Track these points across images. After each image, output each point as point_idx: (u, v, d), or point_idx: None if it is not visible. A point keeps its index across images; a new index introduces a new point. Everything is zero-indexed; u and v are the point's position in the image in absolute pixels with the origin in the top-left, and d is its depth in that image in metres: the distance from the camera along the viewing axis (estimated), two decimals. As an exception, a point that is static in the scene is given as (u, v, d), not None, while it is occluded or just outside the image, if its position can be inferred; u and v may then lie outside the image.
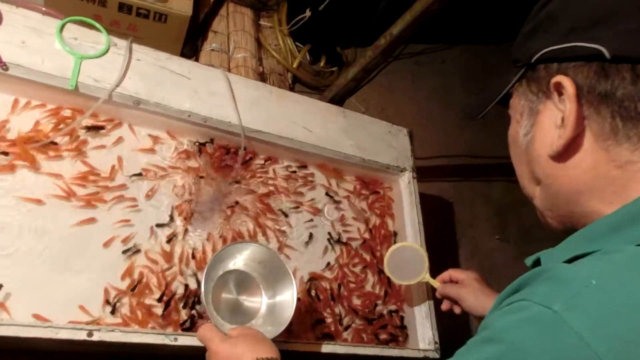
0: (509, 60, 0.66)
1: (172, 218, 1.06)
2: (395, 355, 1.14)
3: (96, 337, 0.83)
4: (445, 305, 1.12)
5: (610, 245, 0.49)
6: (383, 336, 1.22)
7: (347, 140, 1.33)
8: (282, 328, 0.91)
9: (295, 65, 1.99)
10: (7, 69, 0.94)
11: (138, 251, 1.00)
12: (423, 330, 1.23)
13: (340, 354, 1.06)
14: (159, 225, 1.04)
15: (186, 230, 1.07)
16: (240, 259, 0.97)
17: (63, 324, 0.82)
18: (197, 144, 1.15)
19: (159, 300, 0.98)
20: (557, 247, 0.57)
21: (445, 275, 1.13)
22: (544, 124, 0.57)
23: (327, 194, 1.30)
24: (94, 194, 1.00)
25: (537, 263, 0.60)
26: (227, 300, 0.95)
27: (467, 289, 1.07)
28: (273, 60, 1.97)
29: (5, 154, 0.94)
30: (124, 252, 0.99)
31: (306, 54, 2.07)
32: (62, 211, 0.96)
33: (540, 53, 0.56)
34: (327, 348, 1.04)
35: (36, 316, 0.85)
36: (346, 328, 1.17)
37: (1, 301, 0.84)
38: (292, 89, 2.00)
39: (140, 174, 1.06)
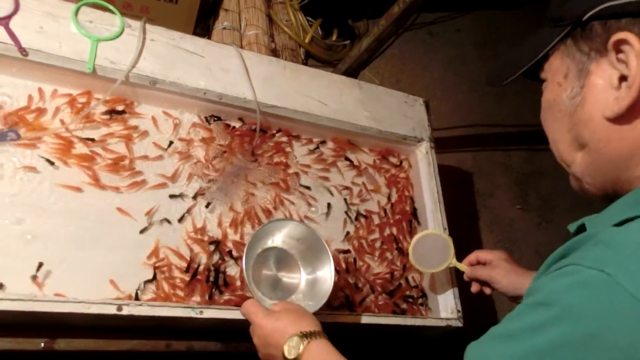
0: (540, 20, 0.63)
1: (195, 194, 1.08)
2: (417, 324, 1.15)
3: (125, 311, 0.85)
4: (475, 288, 1.12)
5: None
6: (404, 306, 1.23)
7: (363, 112, 1.33)
8: (322, 302, 0.92)
9: (307, 40, 1.98)
10: (26, 55, 0.96)
11: (165, 224, 1.03)
12: (445, 299, 1.24)
13: (363, 324, 1.07)
14: (179, 197, 1.07)
15: (208, 205, 1.08)
16: (279, 237, 0.98)
17: (94, 300, 0.85)
18: (215, 119, 1.17)
19: (187, 270, 1.00)
20: (603, 213, 0.56)
21: (472, 257, 1.12)
22: (597, 86, 0.54)
23: (347, 162, 1.31)
24: (120, 173, 1.03)
25: (581, 229, 0.59)
26: (267, 276, 0.97)
27: (498, 270, 1.06)
28: (285, 36, 1.96)
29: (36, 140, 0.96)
30: (142, 231, 1.01)
31: (318, 29, 2.05)
32: (92, 195, 0.99)
33: (595, 9, 0.53)
34: (349, 319, 1.06)
35: (58, 295, 0.88)
36: (364, 299, 1.18)
37: (41, 279, 0.88)
38: (305, 64, 1.99)
39: (161, 154, 1.08)
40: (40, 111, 0.99)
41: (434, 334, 1.23)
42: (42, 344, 0.88)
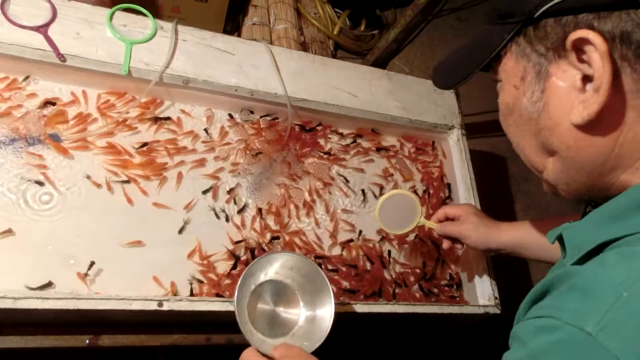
0: (490, 14, 0.58)
1: (230, 191, 1.11)
2: (455, 312, 1.15)
3: (166, 307, 0.88)
4: (446, 244, 1.10)
5: (638, 225, 0.45)
6: (440, 294, 1.23)
7: (393, 102, 1.33)
8: (318, 344, 0.86)
9: (335, 31, 1.99)
10: (64, 60, 1.00)
11: (204, 219, 1.05)
12: (482, 285, 1.24)
13: (400, 312, 1.08)
14: (206, 193, 1.09)
15: (244, 206, 1.11)
16: (273, 269, 0.92)
17: (135, 296, 0.88)
18: (248, 114, 1.19)
19: (234, 266, 1.03)
20: (581, 225, 0.52)
21: (441, 213, 1.10)
22: (559, 89, 0.49)
23: (380, 152, 1.31)
24: (160, 173, 1.06)
25: (561, 240, 0.55)
26: (264, 311, 0.91)
27: (467, 225, 1.04)
28: (313, 28, 1.97)
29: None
30: (180, 231, 1.04)
31: (346, 20, 2.05)
32: (134, 194, 1.02)
33: (548, 5, 0.47)
34: (386, 308, 1.07)
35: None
36: (399, 287, 1.19)
37: (91, 277, 0.92)
38: (334, 56, 2.00)
39: (198, 151, 1.11)
40: (81, 114, 1.03)
41: (470, 321, 1.23)
42: (87, 341, 0.92)
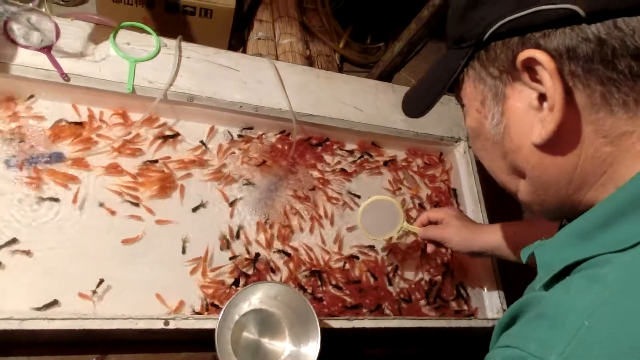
0: (447, 39, 0.57)
1: (233, 204, 1.10)
2: (463, 326, 1.13)
3: (172, 325, 0.87)
4: (429, 248, 1.09)
5: (604, 245, 0.44)
6: (448, 308, 1.21)
7: (398, 115, 1.32)
8: None
9: (341, 45, 1.99)
10: (68, 80, 1.00)
11: (208, 234, 1.05)
12: (490, 299, 1.22)
13: (407, 327, 1.07)
14: (196, 210, 1.08)
15: (249, 221, 1.10)
16: (256, 299, 0.92)
17: (141, 315, 0.87)
18: (247, 130, 1.19)
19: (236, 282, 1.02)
20: (551, 244, 0.52)
21: (424, 218, 1.09)
22: (517, 110, 0.49)
23: (386, 166, 1.30)
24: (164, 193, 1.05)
25: (533, 258, 0.55)
26: (248, 342, 0.89)
27: (450, 229, 1.04)
28: (319, 42, 1.97)
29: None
30: (183, 252, 1.03)
31: (352, 33, 2.05)
32: (138, 212, 1.02)
33: (494, 27, 0.47)
34: (393, 323, 1.05)
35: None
36: (405, 301, 1.17)
37: (98, 294, 0.92)
38: (340, 69, 2.00)
39: (201, 167, 1.10)
40: (84, 131, 1.03)
41: (479, 335, 1.20)
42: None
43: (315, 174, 1.22)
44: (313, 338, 0.87)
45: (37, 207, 0.94)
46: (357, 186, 1.26)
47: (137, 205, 1.02)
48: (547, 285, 0.49)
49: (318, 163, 1.23)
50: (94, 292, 0.91)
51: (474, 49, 0.50)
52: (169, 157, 1.08)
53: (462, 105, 0.57)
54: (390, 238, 1.17)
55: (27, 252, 0.90)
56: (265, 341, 0.90)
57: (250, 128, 1.19)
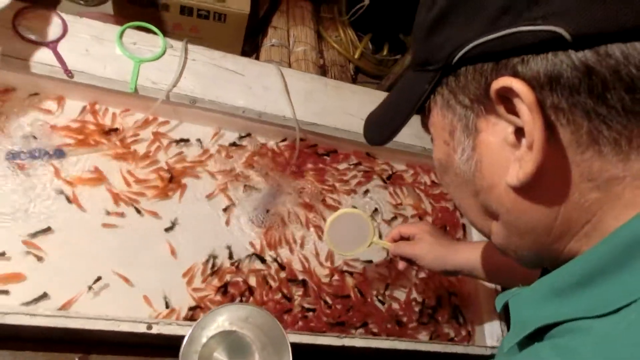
0: (411, 60, 0.51)
1: (227, 209, 1.09)
2: (460, 352, 1.09)
3: (155, 330, 0.86)
4: (401, 265, 1.03)
5: (581, 307, 0.39)
6: (443, 332, 1.18)
7: (405, 129, 1.28)
8: None
9: (356, 55, 1.97)
10: (72, 77, 1.00)
11: (205, 239, 1.03)
12: (490, 325, 1.18)
13: (400, 349, 1.03)
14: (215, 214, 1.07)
15: (239, 230, 1.09)
16: (226, 321, 0.88)
17: (125, 317, 0.86)
18: (249, 138, 1.17)
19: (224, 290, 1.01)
20: (526, 295, 0.46)
21: (395, 233, 1.03)
22: (490, 145, 0.42)
23: (385, 183, 1.28)
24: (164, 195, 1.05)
25: (507, 308, 0.49)
26: None
27: (422, 245, 0.97)
28: (334, 51, 1.95)
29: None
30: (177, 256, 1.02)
31: (368, 44, 2.03)
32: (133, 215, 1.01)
33: (463, 50, 0.40)
34: (385, 344, 1.02)
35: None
36: (399, 324, 1.14)
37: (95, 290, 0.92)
38: (354, 80, 1.98)
39: (202, 173, 1.09)
40: (86, 128, 1.03)
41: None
42: (77, 359, 0.90)
43: (317, 184, 1.20)
44: (285, 356, 0.84)
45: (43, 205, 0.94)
46: (359, 199, 1.24)
47: (138, 209, 1.01)
48: (520, 345, 0.44)
49: (322, 173, 1.21)
50: (90, 287, 0.91)
51: (441, 73, 0.44)
52: (171, 159, 1.08)
53: (430, 134, 0.51)
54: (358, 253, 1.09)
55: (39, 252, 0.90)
56: None
57: (248, 135, 1.18)
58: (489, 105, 0.41)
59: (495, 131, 0.41)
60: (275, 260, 1.08)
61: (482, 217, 0.49)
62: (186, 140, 1.10)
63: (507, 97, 0.39)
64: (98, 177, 1.00)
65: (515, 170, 0.40)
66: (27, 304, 0.87)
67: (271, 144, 1.19)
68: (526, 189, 0.41)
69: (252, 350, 0.88)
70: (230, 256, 1.05)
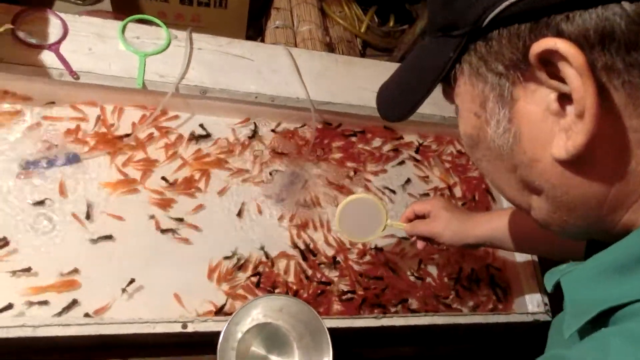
0: (429, 24, 0.46)
1: (242, 209, 1.06)
2: (501, 321, 1.07)
3: (190, 328, 0.84)
4: (420, 244, 0.98)
5: None
6: (483, 303, 1.15)
7: (423, 98, 1.25)
8: None
9: (363, 29, 1.92)
10: (78, 78, 0.97)
11: (228, 231, 1.01)
12: (530, 291, 1.15)
13: (440, 324, 1.01)
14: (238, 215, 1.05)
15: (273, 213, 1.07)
16: (260, 313, 0.86)
17: (159, 319, 0.84)
18: (270, 122, 1.15)
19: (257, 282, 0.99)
20: (581, 273, 0.42)
21: (409, 212, 0.98)
22: (530, 115, 0.38)
23: (414, 161, 1.24)
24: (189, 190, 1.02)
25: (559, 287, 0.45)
26: (255, 358, 0.84)
27: (438, 222, 0.93)
28: (339, 27, 1.90)
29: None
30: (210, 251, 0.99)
31: (373, 16, 1.98)
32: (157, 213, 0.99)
33: (496, 10, 0.35)
34: (424, 320, 0.99)
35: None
36: (437, 299, 1.11)
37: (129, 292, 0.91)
38: (362, 55, 1.93)
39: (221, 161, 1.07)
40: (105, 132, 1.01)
41: (518, 330, 1.14)
42: (114, 365, 0.89)
43: (341, 165, 1.17)
44: (324, 349, 0.82)
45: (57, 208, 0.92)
46: (388, 177, 1.21)
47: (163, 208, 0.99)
48: (581, 333, 0.40)
49: (348, 153, 1.19)
50: (124, 290, 0.90)
51: (467, 38, 0.39)
52: (189, 155, 1.05)
53: (455, 107, 0.46)
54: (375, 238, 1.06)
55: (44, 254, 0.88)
56: (274, 357, 0.85)
57: (264, 122, 1.15)
58: (527, 71, 0.36)
59: (535, 99, 0.37)
60: (306, 246, 1.05)
61: (520, 193, 0.45)
62: (204, 136, 1.08)
63: (549, 61, 0.34)
64: (121, 182, 0.98)
65: (562, 142, 0.36)
66: (59, 313, 0.85)
67: (287, 127, 1.16)
68: (575, 162, 0.37)
69: (289, 341, 0.86)
70: (261, 248, 1.03)
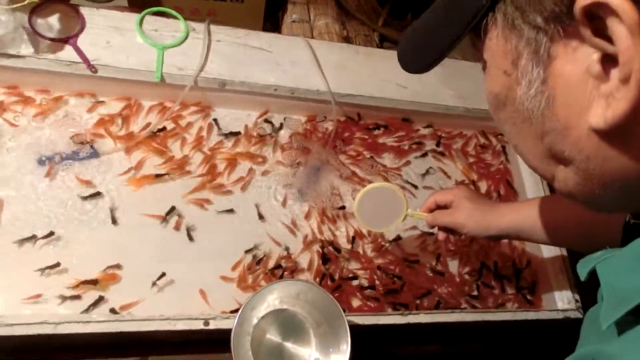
0: None
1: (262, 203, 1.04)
2: (530, 318, 1.03)
3: (212, 325, 0.82)
4: (441, 236, 0.93)
5: None
6: (510, 298, 1.11)
7: (447, 90, 1.22)
8: None
9: (380, 23, 1.88)
10: (96, 72, 0.96)
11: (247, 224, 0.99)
12: (559, 287, 1.11)
13: (468, 321, 0.97)
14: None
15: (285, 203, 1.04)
16: (276, 299, 0.83)
17: (180, 316, 0.82)
18: (286, 117, 1.12)
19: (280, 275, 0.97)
20: (620, 260, 0.39)
21: (430, 202, 0.93)
22: (568, 77, 0.34)
23: (437, 151, 1.21)
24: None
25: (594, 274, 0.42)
26: (271, 346, 0.81)
27: (460, 213, 0.88)
28: (356, 21, 1.87)
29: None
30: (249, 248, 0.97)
31: (391, 9, 1.95)
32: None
33: None
34: (452, 317, 0.96)
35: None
36: (461, 293, 1.08)
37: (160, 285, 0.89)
38: (380, 49, 1.89)
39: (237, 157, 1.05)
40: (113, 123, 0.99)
41: (547, 327, 1.10)
42: (135, 362, 0.87)
43: (358, 159, 1.14)
44: (342, 337, 0.78)
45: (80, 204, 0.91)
46: (409, 170, 1.18)
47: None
48: (620, 325, 0.37)
49: (369, 146, 1.16)
50: (154, 283, 0.88)
51: None
52: (210, 150, 1.03)
53: (483, 62, 0.43)
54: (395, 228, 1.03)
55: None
56: (289, 345, 0.82)
57: (284, 115, 1.12)
58: (569, 26, 0.33)
59: (575, 59, 0.33)
60: (328, 241, 1.03)
61: (546, 161, 0.41)
62: (225, 131, 1.05)
63: (597, 16, 0.31)
64: (144, 177, 0.96)
65: (602, 109, 0.32)
66: (86, 310, 0.84)
67: (308, 119, 1.13)
68: (615, 133, 0.33)
69: (306, 328, 0.83)
70: (282, 242, 1.01)
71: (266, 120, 1.10)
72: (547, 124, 0.37)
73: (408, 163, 1.18)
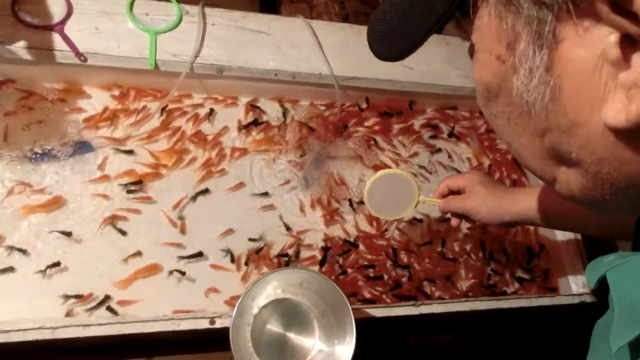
0: None
1: (267, 193, 1.00)
2: (545, 304, 1.00)
3: (218, 324, 0.78)
4: (454, 222, 0.89)
5: None
6: (525, 285, 1.08)
7: (454, 70, 1.16)
8: None
9: (381, 1, 1.83)
10: (85, 60, 0.90)
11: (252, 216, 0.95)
12: (574, 271, 1.08)
13: (481, 310, 0.94)
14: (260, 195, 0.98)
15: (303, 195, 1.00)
16: (278, 288, 0.80)
17: (184, 315, 0.78)
18: (289, 104, 1.08)
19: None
20: (632, 268, 0.34)
21: (442, 187, 0.90)
22: (578, 63, 0.28)
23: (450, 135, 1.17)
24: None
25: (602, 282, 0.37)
26: (273, 337, 0.78)
27: (474, 199, 0.85)
28: (357, 1, 1.81)
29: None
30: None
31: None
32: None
33: None
34: (465, 306, 0.93)
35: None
36: (475, 281, 1.04)
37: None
38: (381, 28, 1.84)
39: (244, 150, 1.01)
40: (113, 118, 0.94)
41: (562, 312, 1.07)
42: (140, 364, 0.84)
43: (367, 143, 1.10)
44: (347, 328, 0.74)
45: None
46: (421, 156, 1.14)
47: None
48: (634, 347, 0.32)
49: (376, 131, 1.12)
50: (171, 272, 0.88)
51: None
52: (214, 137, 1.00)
53: (471, 46, 0.36)
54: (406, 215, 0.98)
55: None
56: (292, 335, 0.79)
57: (289, 101, 1.07)
58: (581, 3, 0.27)
59: (588, 42, 0.27)
60: (339, 236, 0.99)
61: (545, 162, 0.35)
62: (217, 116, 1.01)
63: None
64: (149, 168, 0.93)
65: (621, 103, 0.27)
66: (91, 309, 0.82)
67: (311, 105, 1.09)
68: (636, 133, 0.27)
69: (310, 318, 0.80)
70: (287, 227, 0.98)
71: (269, 107, 1.06)
72: (552, 119, 0.31)
73: (419, 147, 1.14)
